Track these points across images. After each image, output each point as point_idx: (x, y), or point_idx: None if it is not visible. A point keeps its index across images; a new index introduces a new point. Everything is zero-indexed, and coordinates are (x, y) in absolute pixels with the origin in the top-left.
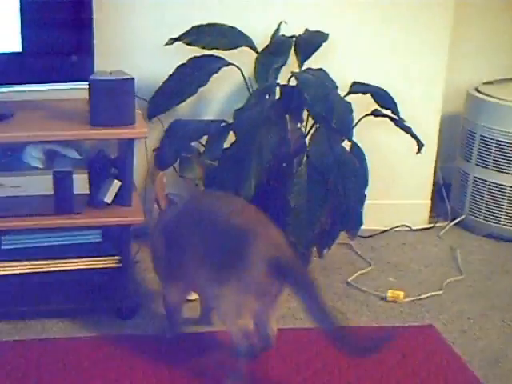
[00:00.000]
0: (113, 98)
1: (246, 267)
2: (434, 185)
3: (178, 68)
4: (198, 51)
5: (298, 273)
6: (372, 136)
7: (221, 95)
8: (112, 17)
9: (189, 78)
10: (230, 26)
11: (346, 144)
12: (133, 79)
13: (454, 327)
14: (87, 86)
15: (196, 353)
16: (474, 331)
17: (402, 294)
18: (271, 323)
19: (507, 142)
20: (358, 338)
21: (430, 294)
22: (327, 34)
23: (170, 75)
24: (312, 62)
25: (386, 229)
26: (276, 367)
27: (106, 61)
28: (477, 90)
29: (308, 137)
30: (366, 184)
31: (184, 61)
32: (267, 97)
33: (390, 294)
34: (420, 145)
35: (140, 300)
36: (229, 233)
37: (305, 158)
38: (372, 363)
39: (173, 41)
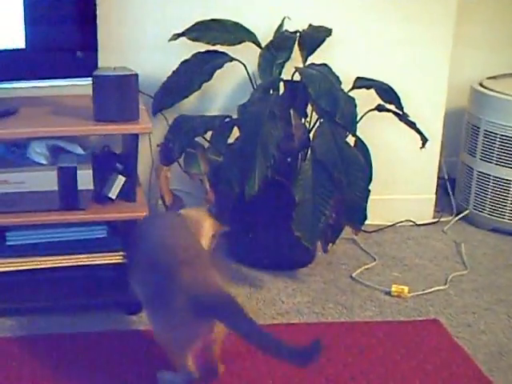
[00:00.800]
0: (117, 94)
1: (169, 306)
2: (438, 179)
3: (182, 63)
4: (201, 47)
5: (226, 309)
6: (376, 131)
7: (225, 90)
8: (115, 12)
9: (193, 74)
10: (233, 22)
11: (350, 139)
12: (136, 75)
13: (458, 321)
14: (91, 82)
15: None
16: (479, 325)
17: (406, 288)
18: (213, 356)
19: (511, 137)
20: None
21: (434, 288)
22: (331, 29)
23: (174, 71)
24: (316, 57)
25: (390, 224)
26: (281, 362)
27: (110, 57)
28: (481, 84)
29: (312, 132)
30: (370, 179)
31: (188, 56)
32: (271, 92)
33: (394, 288)
34: (424, 140)
35: None
36: (160, 268)
37: (309, 153)
38: (377, 358)
39: (177, 36)
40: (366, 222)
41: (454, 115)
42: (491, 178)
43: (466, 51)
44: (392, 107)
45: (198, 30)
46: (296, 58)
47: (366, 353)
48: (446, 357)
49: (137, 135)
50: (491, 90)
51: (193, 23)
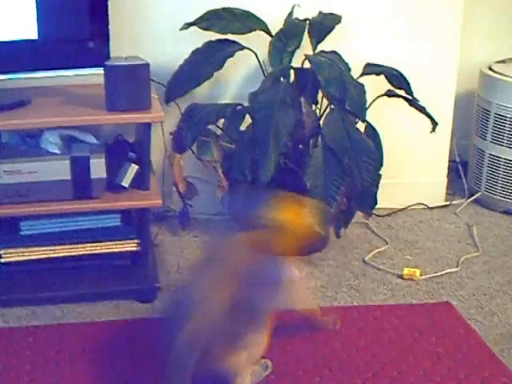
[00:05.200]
0: (128, 83)
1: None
2: (450, 162)
3: (193, 52)
4: (212, 35)
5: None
6: (386, 116)
7: (236, 79)
8: (127, 2)
9: (204, 62)
10: (243, 10)
11: (360, 125)
12: (148, 64)
13: (470, 303)
14: (103, 72)
15: None
16: (491, 307)
17: (418, 271)
18: None
19: None
20: None
21: (446, 271)
22: (340, 17)
23: (186, 60)
24: (326, 45)
25: (402, 207)
26: (295, 346)
27: (123, 46)
28: (490, 68)
29: (322, 118)
30: (380, 164)
31: (199, 45)
32: (282, 80)
33: (406, 271)
34: (434, 124)
35: (160, 283)
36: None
37: (319, 140)
38: (389, 341)
39: (188, 25)
40: (378, 206)
41: (465, 99)
42: (502, 160)
43: (475, 35)
44: (402, 92)
45: (208, 19)
46: (306, 46)
47: (379, 336)
48: (457, 339)
49: (149, 124)
50: (501, 73)
51: (203, 12)
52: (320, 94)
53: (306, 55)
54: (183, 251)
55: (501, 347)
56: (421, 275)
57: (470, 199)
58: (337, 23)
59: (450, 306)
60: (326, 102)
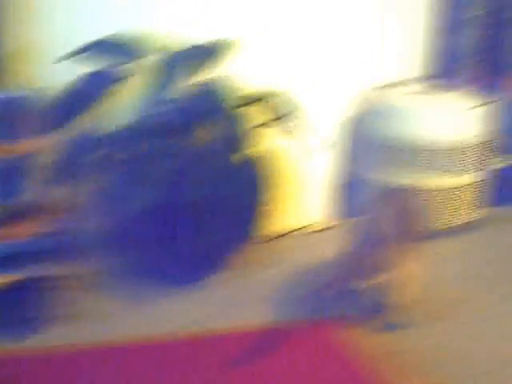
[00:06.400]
0: None
1: None
2: (336, 185)
3: (71, 82)
4: (93, 65)
5: None
6: (268, 142)
7: (120, 106)
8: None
9: (84, 92)
10: (128, 38)
11: (241, 154)
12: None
13: None
14: None
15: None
16: None
17: None
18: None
19: (403, 144)
20: None
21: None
22: (228, 42)
23: (65, 89)
24: (209, 71)
25: (290, 231)
26: None
27: None
28: (374, 93)
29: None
30: (259, 193)
31: (80, 74)
32: (161, 110)
33: None
34: (319, 147)
35: None
36: None
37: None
38: None
39: (70, 55)
40: (264, 231)
41: (352, 122)
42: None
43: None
44: (286, 118)
45: (91, 49)
46: (191, 74)
47: None
48: None
49: None
50: (385, 99)
51: (88, 40)
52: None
53: (183, 86)
54: None
55: None
56: None
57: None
58: (224, 49)
59: (332, 322)
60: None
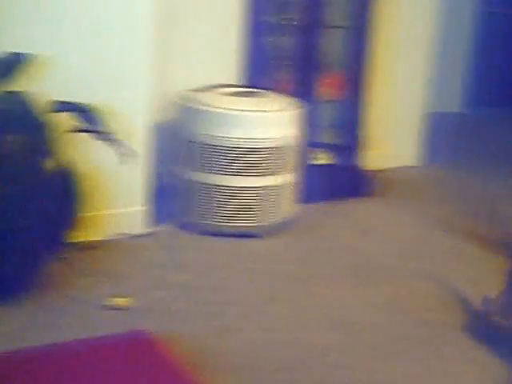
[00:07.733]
0: None
1: None
2: (155, 190)
3: None
4: None
5: None
6: (80, 151)
7: None
8: None
9: None
10: None
11: (53, 161)
12: None
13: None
14: None
15: None
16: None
17: (126, 300)
18: None
19: (214, 145)
20: None
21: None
22: (24, 55)
23: None
24: (14, 83)
25: (106, 238)
26: None
27: None
28: (186, 97)
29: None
30: (74, 200)
31: None
32: None
33: (113, 302)
34: (128, 155)
35: None
36: None
37: None
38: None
39: None
40: (80, 240)
41: (163, 127)
42: (211, 186)
43: (170, 64)
44: (93, 127)
45: None
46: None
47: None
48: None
49: None
50: (200, 103)
51: None
52: None
53: None
54: None
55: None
56: (130, 304)
57: (172, 224)
58: (21, 62)
59: (146, 334)
60: None
